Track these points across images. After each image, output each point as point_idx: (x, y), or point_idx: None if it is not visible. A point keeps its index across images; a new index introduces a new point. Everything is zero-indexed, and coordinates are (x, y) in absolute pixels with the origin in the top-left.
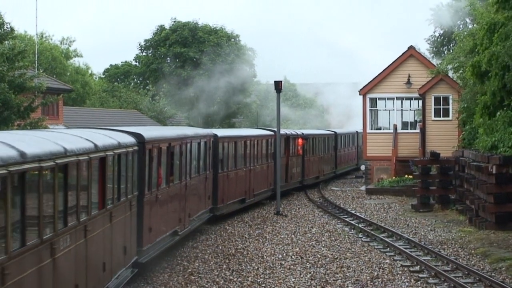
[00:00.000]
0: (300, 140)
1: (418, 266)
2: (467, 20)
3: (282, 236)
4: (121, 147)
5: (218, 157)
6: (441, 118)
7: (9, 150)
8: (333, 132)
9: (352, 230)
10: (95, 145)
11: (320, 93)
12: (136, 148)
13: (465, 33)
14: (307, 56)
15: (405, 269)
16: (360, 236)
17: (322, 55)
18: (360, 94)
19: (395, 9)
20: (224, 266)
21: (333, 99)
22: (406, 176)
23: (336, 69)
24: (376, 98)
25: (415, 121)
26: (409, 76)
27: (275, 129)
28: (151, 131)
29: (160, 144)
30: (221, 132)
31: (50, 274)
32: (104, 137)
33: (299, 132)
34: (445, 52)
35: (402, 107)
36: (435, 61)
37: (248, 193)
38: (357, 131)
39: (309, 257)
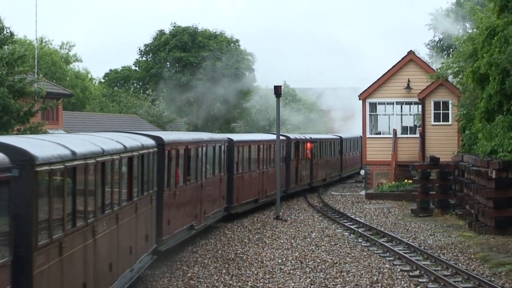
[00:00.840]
0: (308, 144)
1: (418, 271)
2: (467, 25)
3: (282, 241)
4: (144, 149)
5: (233, 160)
6: (441, 123)
7: (65, 150)
8: (338, 137)
9: (351, 235)
10: (124, 147)
11: (320, 97)
12: (156, 149)
13: (465, 37)
14: (307, 60)
15: (405, 273)
16: (359, 240)
17: (322, 59)
18: (359, 99)
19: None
20: (224, 271)
21: (332, 102)
22: (406, 180)
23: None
24: (376, 103)
25: (415, 126)
26: (408, 81)
27: (287, 134)
28: (170, 135)
29: (178, 147)
30: (236, 136)
31: (92, 251)
32: (130, 140)
33: (308, 136)
34: (445, 57)
35: (401, 111)
36: (434, 66)
37: (261, 194)
38: (361, 136)
39: (308, 261)
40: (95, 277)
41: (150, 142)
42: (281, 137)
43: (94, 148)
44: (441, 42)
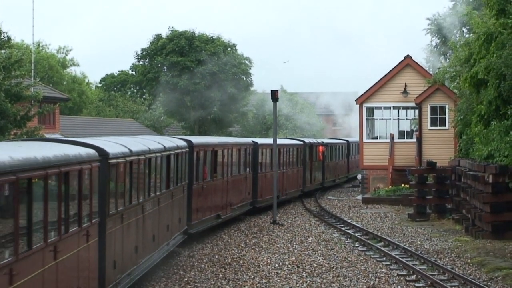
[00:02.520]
0: (321, 148)
1: (415, 276)
2: (464, 29)
3: (279, 245)
4: (178, 149)
5: (258, 161)
6: (438, 128)
7: (125, 148)
8: (345, 141)
9: (348, 239)
10: (164, 147)
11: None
12: (187, 150)
13: (461, 42)
14: (304, 64)
15: (402, 278)
16: (356, 245)
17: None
18: (356, 104)
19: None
20: (221, 275)
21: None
22: (403, 185)
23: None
24: (373, 107)
25: (412, 130)
26: (405, 86)
27: (302, 139)
28: (199, 139)
29: (206, 148)
30: (260, 140)
31: (142, 224)
32: (168, 141)
33: (319, 140)
34: (442, 62)
35: (398, 116)
36: (431, 71)
37: (282, 191)
38: None
39: (305, 266)
40: (143, 244)
41: (183, 143)
42: (297, 141)
43: (144, 147)
44: (438, 47)
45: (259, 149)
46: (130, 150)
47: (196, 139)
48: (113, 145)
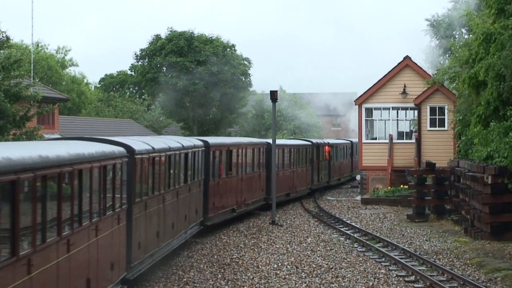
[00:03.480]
0: (327, 148)
1: (413, 276)
2: (463, 30)
3: (278, 246)
4: (195, 148)
5: (271, 160)
6: (437, 128)
7: (149, 146)
8: (349, 141)
9: (347, 240)
10: (182, 146)
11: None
12: (203, 149)
13: (461, 43)
14: (303, 65)
15: (401, 279)
16: (355, 246)
17: (317, 65)
18: (355, 104)
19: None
20: (219, 276)
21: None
22: (402, 186)
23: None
24: (372, 108)
25: (411, 131)
26: (404, 86)
27: (310, 139)
28: (215, 139)
29: (221, 148)
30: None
31: (162, 213)
32: (186, 141)
33: (326, 141)
34: (441, 62)
35: (397, 117)
36: (431, 71)
37: (292, 189)
38: None
39: (304, 267)
40: (164, 230)
41: (200, 143)
42: (306, 142)
43: (165, 146)
44: (437, 48)
45: (271, 149)
46: (153, 148)
47: (212, 140)
48: (139, 143)
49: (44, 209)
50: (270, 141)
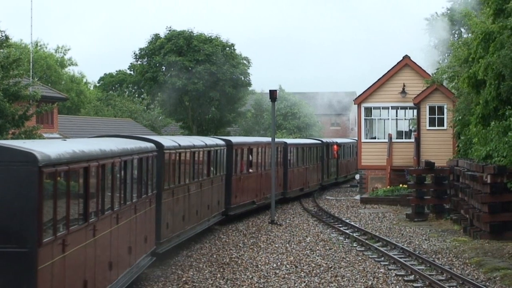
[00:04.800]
0: (335, 147)
1: (413, 276)
2: (462, 29)
3: (277, 245)
4: (218, 146)
5: (287, 158)
6: (436, 128)
7: (175, 143)
8: (355, 140)
9: (346, 239)
10: (205, 144)
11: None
12: (226, 147)
13: (460, 42)
14: (302, 65)
15: (400, 278)
16: (354, 245)
17: (316, 64)
18: (355, 104)
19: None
20: (219, 275)
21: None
22: (401, 185)
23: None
24: (371, 108)
25: (410, 131)
26: (404, 86)
27: (320, 139)
28: (237, 139)
29: (242, 147)
30: (289, 141)
31: (187, 201)
32: (209, 140)
33: (334, 140)
34: (440, 62)
35: (397, 116)
36: (430, 71)
37: (305, 184)
38: None
39: (303, 266)
40: (189, 215)
41: (222, 142)
42: (317, 141)
43: (190, 143)
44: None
45: (288, 148)
46: (179, 145)
47: (235, 139)
48: (167, 140)
49: (103, 189)
50: (287, 140)
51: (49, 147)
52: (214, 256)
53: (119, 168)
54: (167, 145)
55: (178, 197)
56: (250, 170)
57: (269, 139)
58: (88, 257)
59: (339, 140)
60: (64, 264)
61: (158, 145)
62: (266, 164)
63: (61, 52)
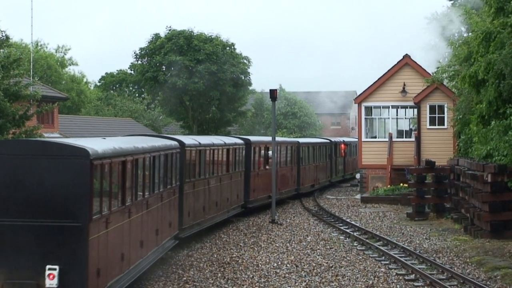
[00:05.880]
0: (343, 145)
1: (413, 275)
2: (462, 28)
3: (277, 245)
4: (236, 145)
5: (300, 156)
6: (437, 127)
7: (196, 141)
8: None
9: (347, 239)
10: (224, 143)
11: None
12: (244, 146)
13: (460, 41)
14: (302, 64)
15: (400, 277)
16: (355, 244)
17: (317, 64)
18: (355, 103)
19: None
20: (219, 275)
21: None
22: (401, 184)
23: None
24: (371, 107)
25: (411, 130)
26: (404, 85)
27: (329, 138)
28: (255, 138)
29: (260, 145)
30: (302, 140)
31: (207, 193)
32: (228, 139)
33: (341, 139)
34: (440, 61)
35: (397, 115)
36: (430, 70)
37: (316, 181)
38: None
39: (304, 265)
40: (209, 206)
41: (241, 141)
42: (326, 140)
43: (209, 142)
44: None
45: (301, 147)
46: (199, 143)
47: (253, 138)
48: (189, 139)
49: (137, 179)
50: (299, 140)
51: (96, 144)
52: (215, 256)
53: (149, 162)
54: (188, 143)
55: (199, 189)
56: (267, 167)
57: (283, 138)
58: (124, 234)
59: (346, 139)
60: (107, 238)
61: (181, 143)
62: (281, 162)
63: (61, 52)
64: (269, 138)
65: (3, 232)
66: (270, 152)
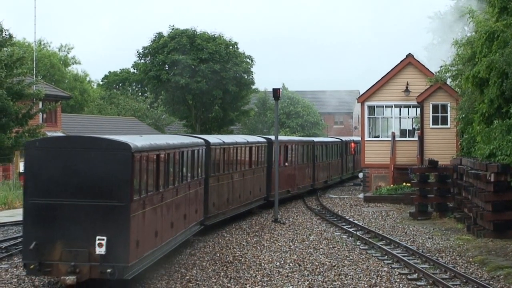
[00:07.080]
0: (353, 144)
1: (416, 274)
2: (466, 28)
3: (280, 244)
4: (258, 143)
5: (315, 154)
6: (439, 126)
7: (220, 140)
8: None
9: (350, 238)
10: (247, 141)
11: (319, 99)
12: (266, 144)
13: (464, 41)
14: (306, 63)
15: (403, 277)
16: (358, 243)
17: (320, 63)
18: (358, 102)
19: (394, 17)
20: (222, 274)
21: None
22: (404, 184)
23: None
24: (375, 106)
25: (413, 129)
26: (407, 84)
27: (340, 137)
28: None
29: (280, 144)
30: (316, 139)
31: (231, 186)
32: (251, 138)
33: (351, 138)
34: (444, 60)
35: (400, 115)
36: (433, 69)
37: (329, 177)
38: None
39: (307, 264)
40: (232, 198)
41: (263, 140)
42: (337, 139)
43: (233, 141)
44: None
45: (316, 145)
46: (223, 141)
47: (273, 137)
48: (214, 138)
49: (169, 171)
50: (314, 139)
51: (135, 140)
52: (218, 255)
53: (178, 157)
54: (213, 142)
55: (223, 183)
56: (286, 164)
57: (301, 138)
58: (157, 215)
59: (356, 138)
60: (144, 217)
61: (206, 141)
62: (299, 159)
63: (64, 51)
64: (286, 138)
65: (62, 210)
66: (299, 151)
